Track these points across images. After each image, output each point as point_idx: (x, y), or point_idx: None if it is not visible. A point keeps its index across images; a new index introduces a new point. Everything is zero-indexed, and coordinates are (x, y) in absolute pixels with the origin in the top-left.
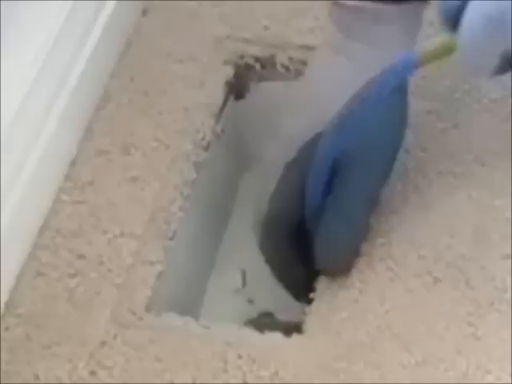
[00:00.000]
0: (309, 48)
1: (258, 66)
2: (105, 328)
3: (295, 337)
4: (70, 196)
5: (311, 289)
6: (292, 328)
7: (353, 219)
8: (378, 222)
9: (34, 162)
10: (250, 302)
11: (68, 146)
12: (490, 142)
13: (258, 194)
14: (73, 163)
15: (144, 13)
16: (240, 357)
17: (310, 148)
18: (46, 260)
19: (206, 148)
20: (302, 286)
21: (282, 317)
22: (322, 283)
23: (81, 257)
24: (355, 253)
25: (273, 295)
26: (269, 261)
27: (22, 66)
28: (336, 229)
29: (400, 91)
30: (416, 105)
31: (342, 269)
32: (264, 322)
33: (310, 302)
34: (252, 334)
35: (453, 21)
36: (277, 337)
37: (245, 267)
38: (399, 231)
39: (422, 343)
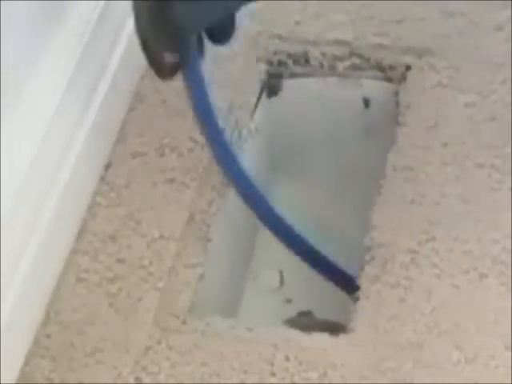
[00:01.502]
0: (342, 43)
1: (290, 63)
2: (148, 333)
3: (342, 337)
4: (107, 199)
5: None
6: (332, 327)
7: None
8: (420, 218)
9: (70, 167)
10: (288, 301)
11: (102, 148)
12: None
13: None
14: (108, 166)
15: None
16: (287, 359)
17: None
18: (85, 265)
19: (242, 146)
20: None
21: (320, 316)
22: (366, 281)
23: (120, 261)
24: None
25: (311, 294)
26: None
27: (54, 74)
28: None
29: None
30: (452, 98)
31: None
32: (303, 321)
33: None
34: (298, 335)
35: None
36: (323, 337)
37: (282, 267)
38: (442, 226)
39: (470, 340)
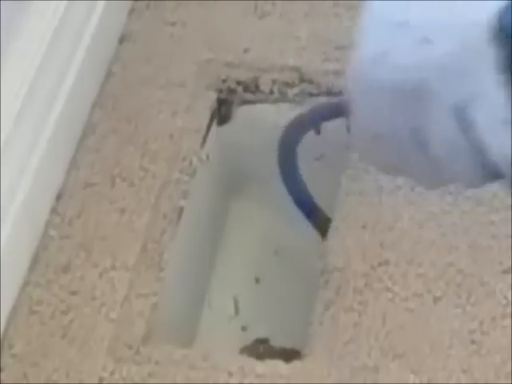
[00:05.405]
0: (292, 69)
1: (240, 90)
2: (102, 364)
3: (297, 363)
4: (58, 230)
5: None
6: (288, 353)
7: None
8: (373, 242)
9: (21, 198)
10: (244, 329)
11: (53, 179)
12: None
13: None
14: (59, 197)
15: (121, 40)
16: None
17: None
18: (37, 297)
19: (193, 174)
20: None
21: (277, 343)
22: (321, 306)
23: (73, 292)
24: None
25: (267, 321)
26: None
27: (6, 99)
28: None
29: None
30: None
31: None
32: (259, 348)
33: None
34: (253, 363)
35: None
36: (278, 364)
37: (237, 295)
38: (396, 250)
39: (426, 363)
